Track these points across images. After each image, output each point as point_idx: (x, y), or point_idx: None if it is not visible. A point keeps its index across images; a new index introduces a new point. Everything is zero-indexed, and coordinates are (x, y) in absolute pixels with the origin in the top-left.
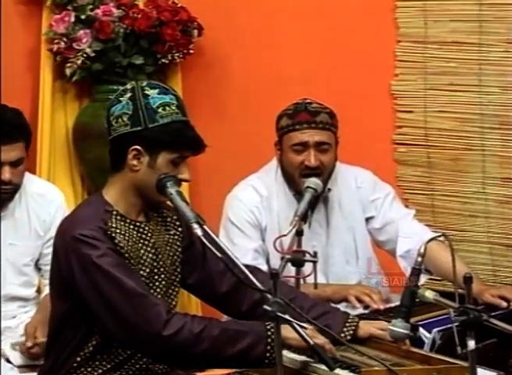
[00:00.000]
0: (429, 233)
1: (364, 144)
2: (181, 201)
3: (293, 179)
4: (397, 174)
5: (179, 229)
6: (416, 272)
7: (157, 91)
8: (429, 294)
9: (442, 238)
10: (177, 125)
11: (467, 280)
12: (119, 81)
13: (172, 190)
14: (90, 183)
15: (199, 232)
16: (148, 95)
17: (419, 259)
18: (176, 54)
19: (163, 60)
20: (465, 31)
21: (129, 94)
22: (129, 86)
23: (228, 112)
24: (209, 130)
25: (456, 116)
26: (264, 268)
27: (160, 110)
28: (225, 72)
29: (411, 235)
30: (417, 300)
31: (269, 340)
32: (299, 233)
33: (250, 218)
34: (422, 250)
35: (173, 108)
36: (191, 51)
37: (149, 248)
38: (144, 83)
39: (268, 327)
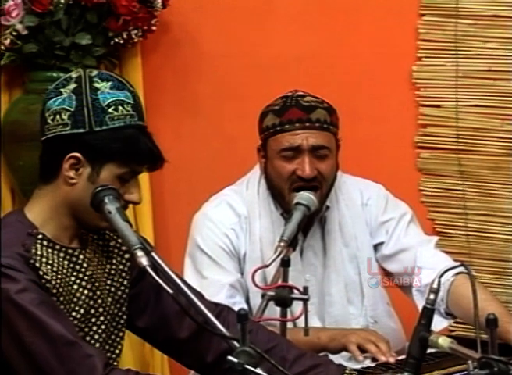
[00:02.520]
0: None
1: (378, 148)
2: (122, 222)
3: (281, 194)
4: (420, 187)
5: (126, 256)
6: (427, 312)
7: (109, 84)
8: (443, 342)
9: (462, 269)
10: (131, 131)
11: (490, 322)
12: (59, 67)
13: (111, 207)
14: (22, 199)
15: (144, 261)
16: (98, 89)
17: (431, 297)
18: (134, 31)
19: (116, 39)
20: (507, 2)
21: (73, 86)
22: (74, 74)
23: (201, 107)
24: (177, 130)
25: (496, 112)
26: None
27: (111, 110)
28: (198, 55)
29: (433, 266)
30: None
31: None
32: (285, 263)
33: (224, 244)
34: (435, 285)
35: (128, 108)
36: (153, 28)
37: (84, 283)
38: (94, 73)
39: None
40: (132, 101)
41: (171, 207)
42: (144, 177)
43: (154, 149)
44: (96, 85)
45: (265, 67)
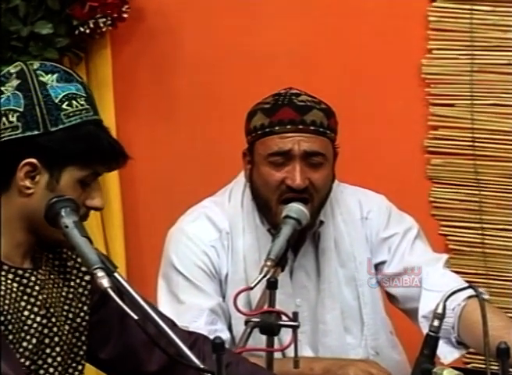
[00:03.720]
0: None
1: (381, 153)
2: (80, 237)
3: (267, 205)
4: (431, 198)
5: (86, 278)
6: (431, 341)
7: (55, 76)
8: None
9: (471, 291)
10: (89, 128)
11: (501, 351)
12: (16, 60)
13: (67, 221)
14: None
15: (105, 283)
16: (46, 84)
17: (435, 323)
18: (102, 19)
19: (82, 29)
20: None
21: (15, 82)
22: (12, 69)
23: (179, 107)
24: (152, 133)
25: None
26: (226, 336)
27: (65, 106)
28: (176, 47)
29: (441, 288)
30: None
31: None
32: (271, 285)
33: (203, 263)
34: (440, 310)
35: (82, 102)
36: (124, 16)
37: (36, 308)
38: (36, 66)
39: None
40: (84, 94)
41: (144, 221)
42: (114, 187)
43: (116, 145)
44: (42, 79)
45: (253, 61)
